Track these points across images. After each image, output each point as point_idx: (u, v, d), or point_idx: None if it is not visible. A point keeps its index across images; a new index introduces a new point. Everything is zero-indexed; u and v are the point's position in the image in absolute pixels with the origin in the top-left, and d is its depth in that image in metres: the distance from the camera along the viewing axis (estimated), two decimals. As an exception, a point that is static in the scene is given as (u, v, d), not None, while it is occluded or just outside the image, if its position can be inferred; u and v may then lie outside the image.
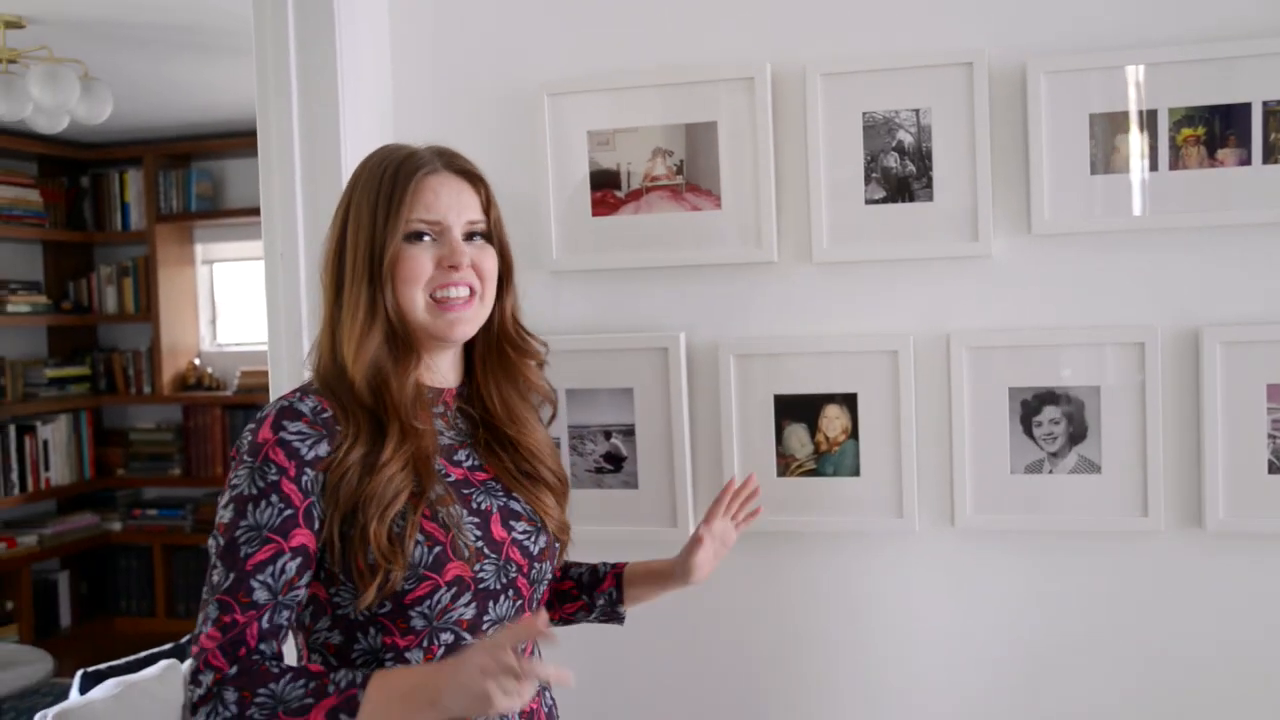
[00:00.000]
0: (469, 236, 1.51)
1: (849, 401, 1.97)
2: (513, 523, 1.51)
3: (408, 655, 1.42)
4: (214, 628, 1.33)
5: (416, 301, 1.47)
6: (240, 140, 5.65)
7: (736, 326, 2.01)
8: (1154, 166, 1.83)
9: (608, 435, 2.06)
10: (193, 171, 5.86)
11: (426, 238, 1.48)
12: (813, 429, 1.98)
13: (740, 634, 2.05)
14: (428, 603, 1.41)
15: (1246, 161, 1.80)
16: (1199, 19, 1.82)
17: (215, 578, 1.36)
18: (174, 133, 5.77)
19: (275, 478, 1.37)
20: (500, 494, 1.52)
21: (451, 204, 1.50)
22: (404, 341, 1.48)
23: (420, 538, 1.40)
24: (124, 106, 4.75)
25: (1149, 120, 1.83)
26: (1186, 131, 1.81)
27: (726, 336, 2.01)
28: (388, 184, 1.48)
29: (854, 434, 1.97)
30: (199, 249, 6.08)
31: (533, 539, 1.53)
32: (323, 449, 1.40)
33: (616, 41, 2.04)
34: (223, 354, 6.08)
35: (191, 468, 6.01)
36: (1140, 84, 1.83)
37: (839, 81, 1.93)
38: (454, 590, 1.42)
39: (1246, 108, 1.79)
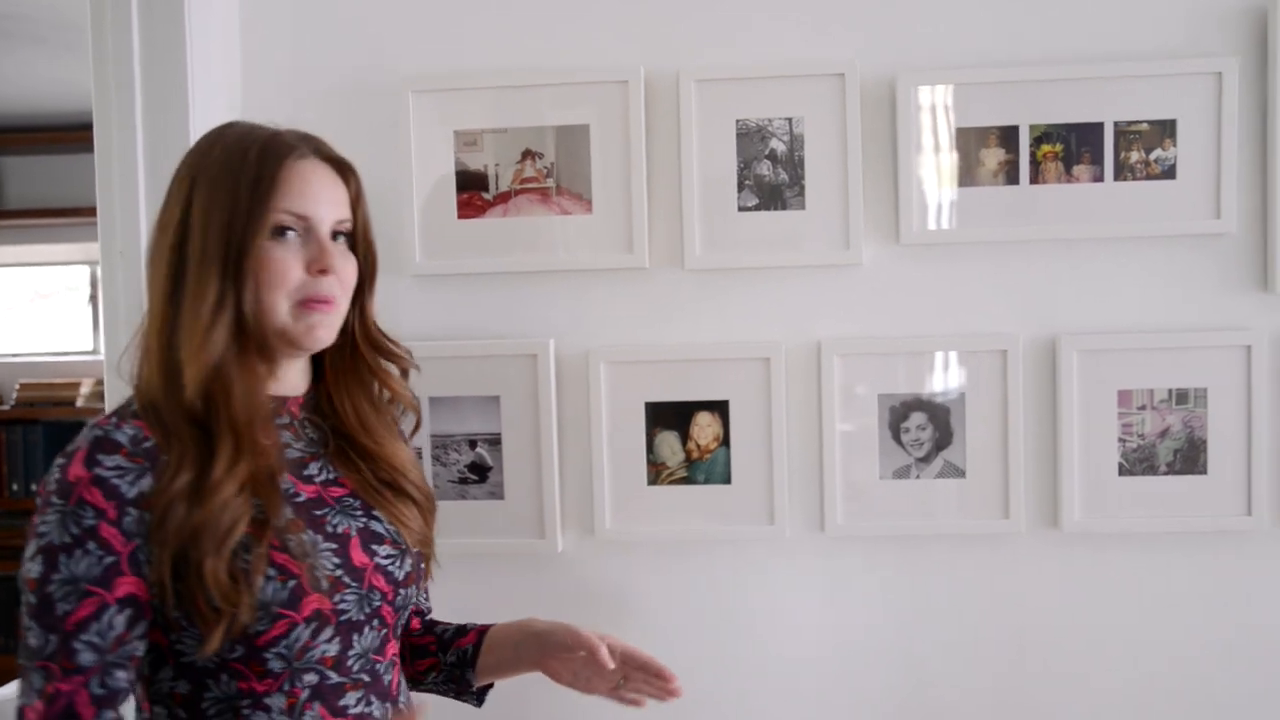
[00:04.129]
0: (334, 236, 1.39)
1: (720, 409, 1.96)
2: (375, 546, 1.40)
3: (267, 701, 1.29)
4: (38, 699, 1.19)
5: (280, 307, 1.33)
6: (23, 136, 5.24)
7: (607, 333, 1.98)
8: (1015, 180, 1.90)
9: (473, 444, 1.99)
10: (-36, 168, 5.42)
11: (291, 234, 1.34)
12: (684, 436, 1.97)
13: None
14: (284, 643, 1.28)
15: (1100, 178, 1.88)
16: (1060, 40, 1.89)
17: (32, 641, 1.20)
18: (-59, 126, 5.31)
19: (92, 522, 1.21)
20: (359, 513, 1.41)
21: (321, 197, 1.36)
22: (258, 346, 1.34)
23: (271, 572, 1.27)
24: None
25: (1011, 136, 1.89)
26: (1045, 148, 1.89)
27: (597, 343, 1.97)
28: (251, 166, 1.31)
29: (725, 441, 1.96)
30: (-29, 252, 5.63)
31: (397, 563, 1.42)
32: (146, 484, 1.24)
33: (486, 39, 1.97)
34: (-1, 364, 5.64)
35: (-39, 487, 5.55)
36: (1003, 100, 1.89)
37: (713, 88, 1.93)
38: (314, 626, 1.30)
39: (1099, 127, 1.88)
